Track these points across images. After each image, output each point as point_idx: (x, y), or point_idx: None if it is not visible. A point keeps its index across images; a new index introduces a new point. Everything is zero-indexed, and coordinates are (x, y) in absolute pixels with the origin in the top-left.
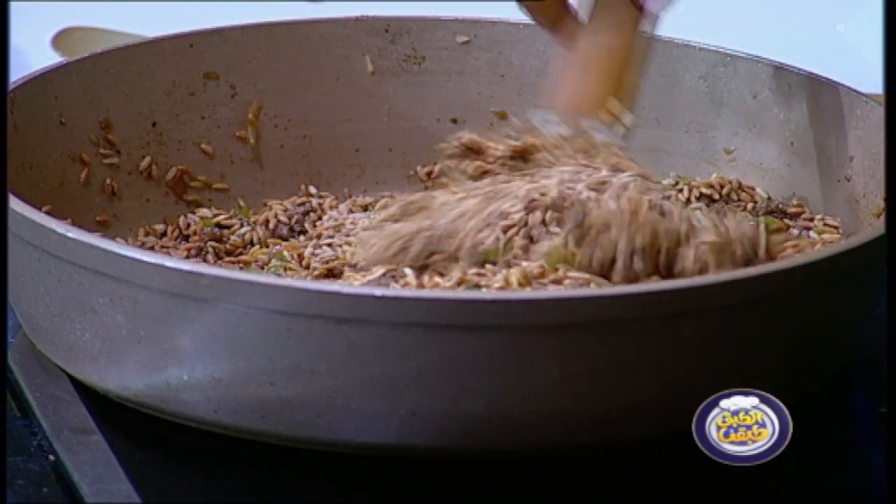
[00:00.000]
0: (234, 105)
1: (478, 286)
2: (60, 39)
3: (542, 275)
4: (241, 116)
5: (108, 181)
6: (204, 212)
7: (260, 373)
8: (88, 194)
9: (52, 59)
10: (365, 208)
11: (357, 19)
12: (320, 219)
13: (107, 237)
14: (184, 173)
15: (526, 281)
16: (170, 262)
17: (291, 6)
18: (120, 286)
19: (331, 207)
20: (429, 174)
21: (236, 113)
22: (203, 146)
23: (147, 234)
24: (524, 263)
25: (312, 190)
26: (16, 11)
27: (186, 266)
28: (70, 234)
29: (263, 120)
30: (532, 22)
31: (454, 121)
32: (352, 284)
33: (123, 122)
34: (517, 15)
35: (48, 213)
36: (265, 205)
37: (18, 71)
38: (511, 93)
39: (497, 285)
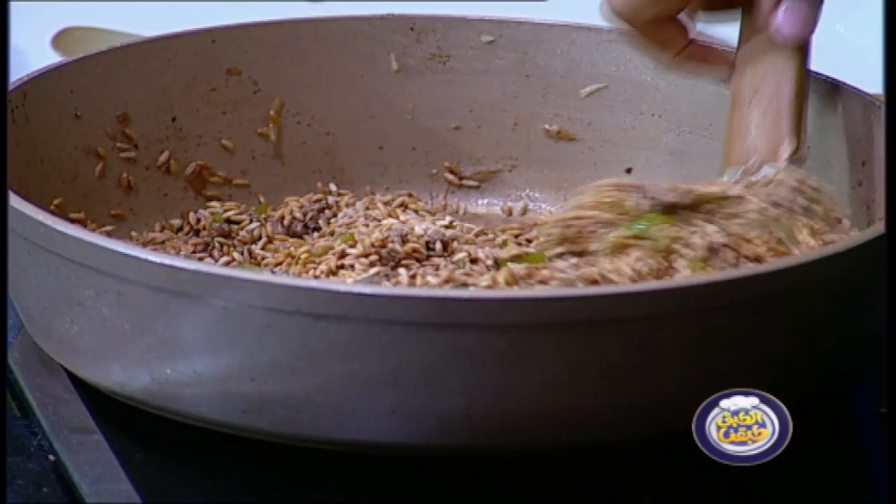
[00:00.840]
0: (257, 101)
1: (465, 285)
2: (60, 39)
3: (529, 275)
4: (263, 113)
5: (124, 175)
6: (214, 206)
7: (241, 368)
8: (104, 188)
9: (52, 59)
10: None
11: (382, 17)
12: (335, 216)
13: (121, 231)
14: (203, 168)
15: (513, 280)
16: (150, 256)
17: (292, 5)
18: (103, 279)
19: (347, 205)
20: (452, 171)
21: (258, 109)
22: (224, 142)
23: (163, 229)
24: (511, 264)
25: (332, 187)
26: (16, 11)
27: (166, 260)
28: (55, 226)
29: (286, 117)
30: (557, 22)
31: (478, 122)
32: (330, 281)
33: (142, 117)
34: (543, 15)
35: (59, 205)
36: (285, 202)
37: (18, 71)
38: (535, 93)
39: (484, 284)
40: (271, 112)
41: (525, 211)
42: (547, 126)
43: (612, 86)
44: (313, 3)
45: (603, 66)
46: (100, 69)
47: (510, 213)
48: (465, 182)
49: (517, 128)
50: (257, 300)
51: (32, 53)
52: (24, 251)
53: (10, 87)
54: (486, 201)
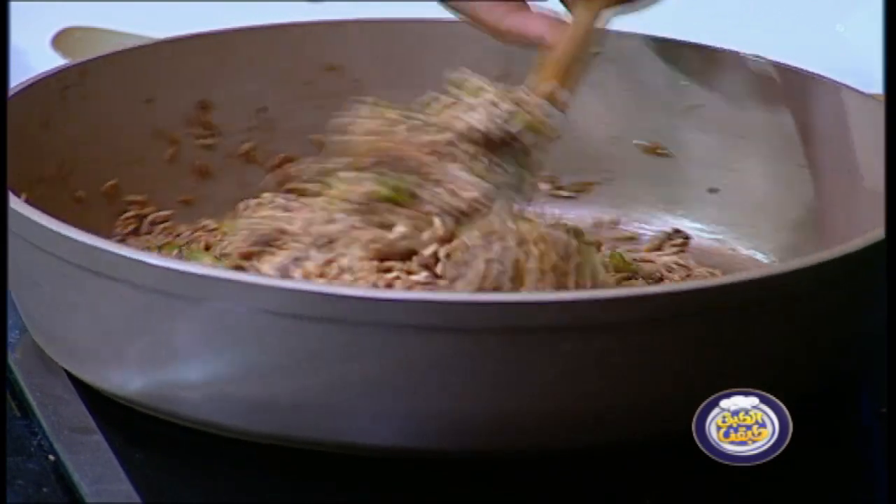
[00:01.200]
0: (354, 99)
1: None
2: (60, 39)
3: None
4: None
5: (200, 162)
6: (266, 196)
7: (238, 371)
8: (173, 173)
9: (52, 59)
10: None
11: None
12: None
13: (184, 216)
14: (287, 161)
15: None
16: (144, 258)
17: (291, 6)
18: (98, 280)
19: None
20: (550, 180)
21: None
22: (314, 136)
23: (234, 218)
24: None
25: None
26: (16, 11)
27: (160, 262)
28: (52, 227)
29: None
30: (661, 37)
31: (579, 132)
32: (328, 283)
33: (226, 105)
34: (649, 29)
35: (113, 187)
36: None
37: (18, 71)
38: (635, 107)
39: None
40: None
41: (615, 224)
42: (643, 141)
43: (707, 105)
44: (313, 4)
45: (700, 85)
46: (181, 55)
47: (600, 225)
48: (560, 192)
49: (616, 141)
50: (254, 302)
51: (32, 53)
52: (23, 251)
53: (67, 66)
54: (578, 213)
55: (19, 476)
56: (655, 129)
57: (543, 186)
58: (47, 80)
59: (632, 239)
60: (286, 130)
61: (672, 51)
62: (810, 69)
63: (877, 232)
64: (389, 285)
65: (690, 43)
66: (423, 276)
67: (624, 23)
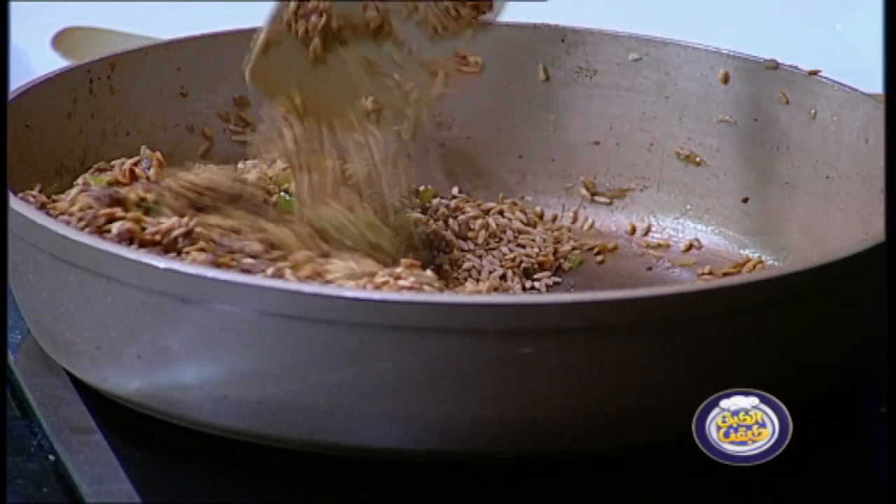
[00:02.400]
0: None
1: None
2: (60, 39)
3: (317, 274)
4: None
5: (234, 158)
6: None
7: (235, 372)
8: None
9: (52, 59)
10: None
11: (535, 26)
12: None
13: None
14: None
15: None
16: (144, 259)
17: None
18: (97, 281)
19: (457, 209)
20: (587, 186)
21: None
22: (355, 136)
23: None
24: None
25: (455, 191)
26: (16, 11)
27: (160, 263)
28: (51, 227)
29: (426, 117)
30: (700, 45)
31: (617, 139)
32: (329, 286)
33: (263, 102)
34: (687, 37)
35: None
36: None
37: (18, 71)
38: (672, 115)
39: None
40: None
41: (648, 231)
42: (678, 149)
43: (742, 114)
44: None
45: (737, 94)
46: (218, 50)
47: (633, 231)
48: (596, 198)
49: (652, 148)
50: (254, 304)
51: (32, 53)
52: (23, 251)
53: (95, 59)
54: (614, 218)
55: (19, 476)
56: (691, 138)
57: (581, 192)
58: (74, 72)
59: (663, 246)
60: (326, 129)
61: (710, 59)
62: (810, 69)
63: (876, 237)
64: (377, 289)
65: (729, 52)
66: (410, 280)
67: (617, 22)
